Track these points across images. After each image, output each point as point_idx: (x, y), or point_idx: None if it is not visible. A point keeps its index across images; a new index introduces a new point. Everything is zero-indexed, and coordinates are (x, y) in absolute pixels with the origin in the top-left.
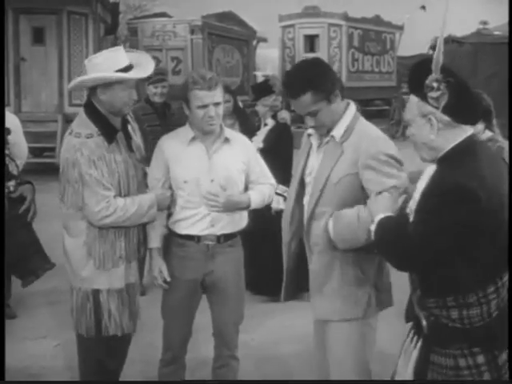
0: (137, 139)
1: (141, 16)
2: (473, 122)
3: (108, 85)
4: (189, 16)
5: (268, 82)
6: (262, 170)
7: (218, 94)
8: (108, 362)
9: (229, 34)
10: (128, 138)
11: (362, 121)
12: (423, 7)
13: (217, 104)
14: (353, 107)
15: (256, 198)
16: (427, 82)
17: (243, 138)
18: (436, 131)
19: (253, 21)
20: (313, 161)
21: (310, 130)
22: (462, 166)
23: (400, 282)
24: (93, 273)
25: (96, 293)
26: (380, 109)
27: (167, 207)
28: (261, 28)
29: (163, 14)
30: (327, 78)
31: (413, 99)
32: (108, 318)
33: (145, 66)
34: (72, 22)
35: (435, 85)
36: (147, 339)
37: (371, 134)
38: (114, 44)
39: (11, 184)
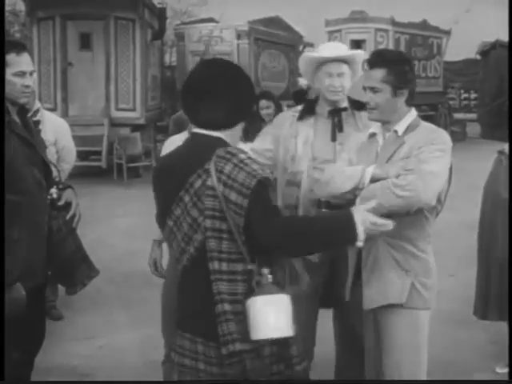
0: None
1: (187, 21)
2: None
3: (316, 71)
4: (235, 21)
5: (305, 94)
6: None
7: None
8: None
9: (275, 39)
10: (337, 126)
11: (424, 123)
12: (467, 11)
13: None
14: (414, 111)
15: None
16: None
17: None
18: None
19: (299, 26)
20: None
21: (374, 129)
22: None
23: (449, 288)
24: None
25: None
26: (426, 114)
27: None
28: (307, 33)
29: (210, 20)
30: (404, 73)
31: None
32: None
33: None
34: (119, 28)
35: None
36: None
37: (433, 129)
38: (161, 49)
39: (54, 191)
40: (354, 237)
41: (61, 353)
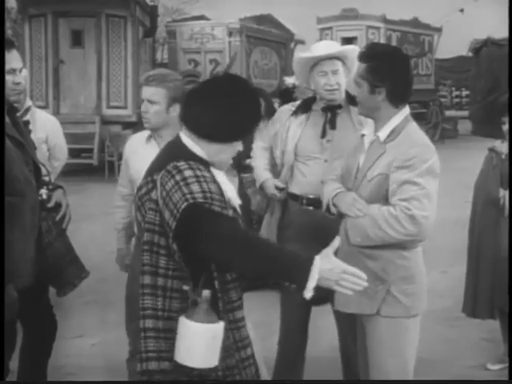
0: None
1: (179, 19)
2: None
3: (311, 72)
4: (227, 19)
5: (292, 94)
6: None
7: (153, 92)
8: None
9: (267, 37)
10: (329, 123)
11: (412, 125)
12: (461, 10)
13: (151, 101)
14: (404, 111)
15: None
16: None
17: None
18: None
19: (290, 23)
20: (362, 161)
21: (365, 131)
22: None
23: (441, 285)
24: None
25: None
26: (417, 112)
27: None
28: (298, 30)
29: (201, 17)
30: (380, 71)
31: None
32: None
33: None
34: (111, 25)
35: None
36: None
37: (414, 139)
38: (153, 47)
39: (44, 191)
40: (303, 283)
41: (52, 351)
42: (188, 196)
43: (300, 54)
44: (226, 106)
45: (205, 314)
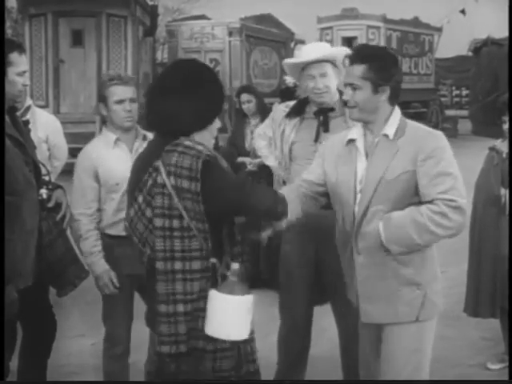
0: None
1: (179, 18)
2: None
3: (300, 74)
4: (227, 18)
5: (293, 93)
6: None
7: (133, 91)
8: None
9: (267, 36)
10: (322, 127)
11: (409, 121)
12: (463, 11)
13: (132, 100)
14: (398, 109)
15: None
16: None
17: None
18: None
19: (291, 23)
20: (361, 166)
21: (352, 134)
22: None
23: (442, 286)
24: None
25: None
26: (417, 111)
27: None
28: (299, 30)
29: (202, 17)
30: (387, 70)
31: None
32: None
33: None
34: (111, 25)
35: None
36: None
37: (426, 130)
38: (153, 46)
39: (44, 191)
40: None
41: (53, 351)
42: (198, 154)
43: (288, 60)
44: (186, 96)
45: (236, 286)
